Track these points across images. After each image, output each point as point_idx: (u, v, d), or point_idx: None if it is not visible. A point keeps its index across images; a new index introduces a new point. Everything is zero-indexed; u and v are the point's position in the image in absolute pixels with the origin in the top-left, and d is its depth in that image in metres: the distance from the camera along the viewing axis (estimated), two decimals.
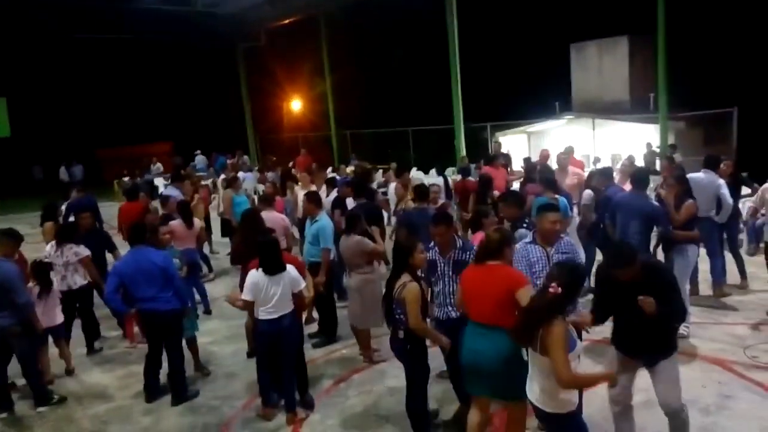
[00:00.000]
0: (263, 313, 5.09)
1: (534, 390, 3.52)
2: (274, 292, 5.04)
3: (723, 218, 7.41)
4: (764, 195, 7.51)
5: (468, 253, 4.72)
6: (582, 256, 5.97)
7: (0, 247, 5.79)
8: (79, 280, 7.04)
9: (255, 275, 5.07)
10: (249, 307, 5.16)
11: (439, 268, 4.77)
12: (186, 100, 32.91)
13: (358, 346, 6.56)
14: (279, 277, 5.06)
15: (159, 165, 22.78)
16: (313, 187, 10.24)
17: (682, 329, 6.17)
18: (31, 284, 6.20)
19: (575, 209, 7.96)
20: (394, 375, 5.69)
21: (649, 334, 3.85)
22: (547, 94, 21.09)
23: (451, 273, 4.75)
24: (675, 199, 6.46)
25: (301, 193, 9.93)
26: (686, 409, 4.01)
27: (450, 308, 4.68)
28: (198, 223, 8.75)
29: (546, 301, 3.36)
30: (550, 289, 3.36)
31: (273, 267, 5.06)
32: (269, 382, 5.35)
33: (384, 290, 4.59)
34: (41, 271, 6.34)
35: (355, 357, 6.56)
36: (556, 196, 7.04)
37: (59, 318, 6.48)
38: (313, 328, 7.26)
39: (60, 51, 26.58)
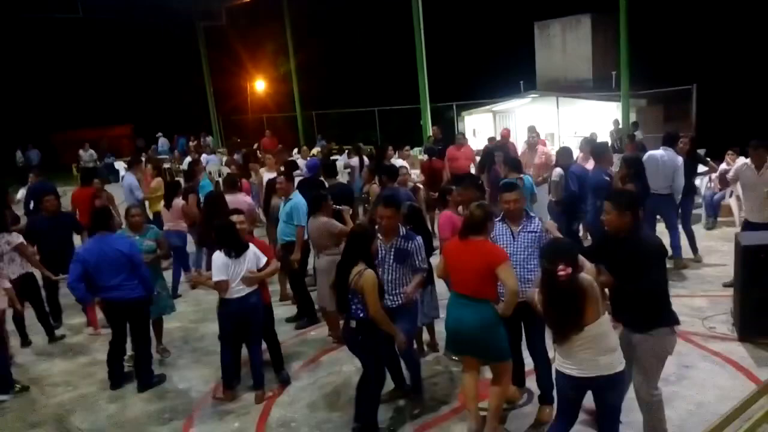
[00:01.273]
0: (230, 292, 5.12)
1: (597, 363, 3.46)
2: (239, 271, 5.10)
3: (676, 194, 7.65)
4: (740, 171, 7.28)
5: (410, 242, 4.75)
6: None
7: None
8: (17, 269, 6.68)
9: (220, 256, 5.10)
10: (225, 286, 5.12)
11: (380, 255, 4.70)
12: (146, 81, 32.08)
13: (327, 328, 6.56)
14: (242, 257, 5.13)
15: (92, 152, 22.35)
16: (280, 169, 10.13)
17: None
18: None
19: (546, 187, 8.05)
20: None
21: (623, 297, 3.89)
22: (512, 72, 21.15)
23: (391, 261, 4.73)
24: (621, 180, 6.77)
25: (266, 175, 9.82)
26: (657, 398, 3.94)
27: (386, 297, 4.57)
28: (178, 202, 8.51)
29: (571, 287, 3.36)
30: (561, 273, 3.34)
31: (234, 247, 5.12)
32: (232, 363, 5.38)
33: (334, 277, 4.44)
34: None
35: (323, 338, 6.56)
36: (521, 175, 7.11)
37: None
38: (290, 309, 7.27)
39: (11, 31, 25.59)
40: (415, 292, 4.83)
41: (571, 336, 3.43)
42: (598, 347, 3.46)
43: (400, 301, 4.71)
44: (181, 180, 11.31)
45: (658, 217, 7.90)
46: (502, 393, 4.36)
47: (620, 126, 15.03)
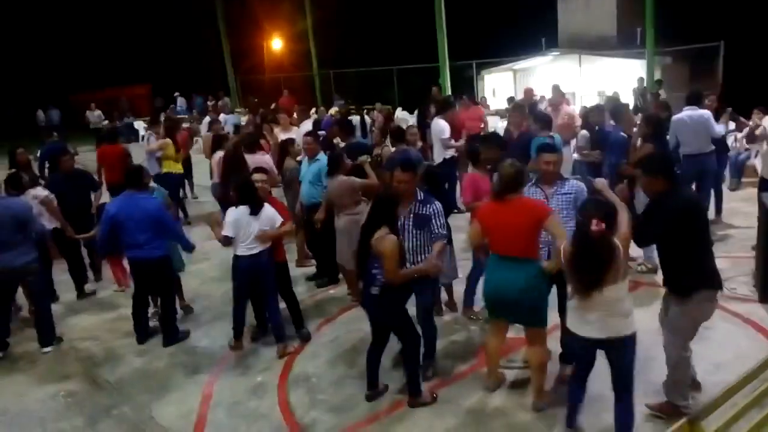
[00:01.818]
0: (243, 249, 5.25)
1: (614, 325, 3.49)
2: (253, 229, 5.19)
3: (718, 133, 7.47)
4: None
5: (429, 206, 4.62)
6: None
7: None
8: (45, 224, 6.74)
9: (235, 212, 5.22)
10: (226, 243, 5.28)
11: (399, 222, 4.49)
12: (163, 40, 31.84)
13: (346, 286, 6.63)
14: (257, 216, 5.21)
15: (98, 112, 22.17)
16: (294, 129, 10.09)
17: (645, 262, 6.50)
18: None
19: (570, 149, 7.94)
20: None
21: (666, 261, 3.90)
22: (533, 29, 20.66)
23: (411, 227, 4.62)
24: (643, 138, 6.66)
25: (281, 135, 9.77)
26: (684, 359, 3.93)
27: (408, 265, 4.44)
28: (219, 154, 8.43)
29: (601, 242, 3.36)
30: (594, 228, 3.33)
31: (251, 205, 5.20)
32: (241, 316, 5.51)
33: (358, 242, 4.30)
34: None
35: (343, 297, 6.64)
36: (551, 134, 7.00)
37: None
38: (310, 268, 7.37)
39: None
40: (439, 261, 4.67)
41: (592, 293, 3.42)
42: (612, 310, 3.48)
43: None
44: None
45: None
46: (543, 352, 4.27)
47: (644, 84, 14.69)
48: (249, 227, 5.20)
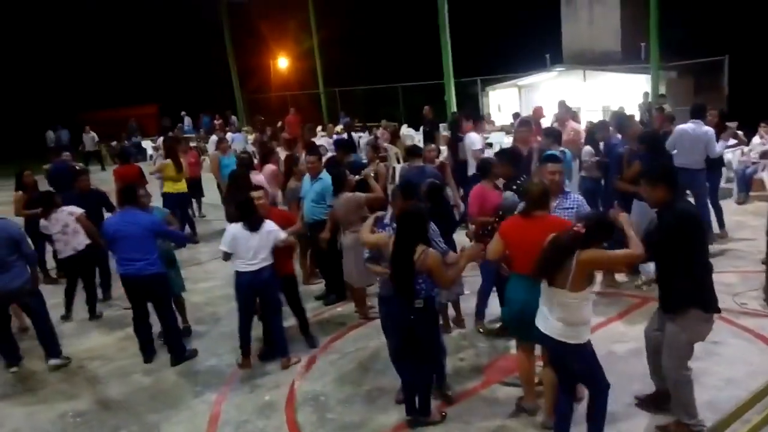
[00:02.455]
0: (243, 265, 5.35)
1: (554, 326, 3.64)
2: (252, 245, 5.29)
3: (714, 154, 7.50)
4: None
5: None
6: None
7: None
8: (83, 240, 6.92)
9: (233, 229, 5.36)
10: (228, 258, 5.43)
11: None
12: (170, 60, 32.22)
13: (354, 304, 6.63)
14: (258, 232, 5.30)
15: (93, 134, 21.80)
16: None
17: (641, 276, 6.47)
18: None
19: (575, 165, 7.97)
20: None
21: (662, 277, 3.91)
22: (537, 45, 20.77)
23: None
24: (630, 153, 6.60)
25: (283, 154, 9.79)
26: (683, 377, 3.88)
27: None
28: (269, 167, 8.90)
29: (569, 237, 3.55)
30: (575, 228, 3.57)
31: (250, 222, 5.31)
32: (246, 332, 5.57)
33: (392, 262, 4.20)
34: None
35: (350, 314, 6.63)
36: (562, 149, 7.01)
37: None
38: (319, 287, 7.39)
39: (39, 12, 25.82)
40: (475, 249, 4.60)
41: (537, 276, 3.66)
42: (566, 314, 3.59)
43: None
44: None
45: (688, 192, 7.74)
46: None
47: (649, 99, 14.72)
48: (248, 243, 5.28)
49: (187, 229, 10.08)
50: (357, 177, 6.76)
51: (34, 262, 6.08)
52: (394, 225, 4.43)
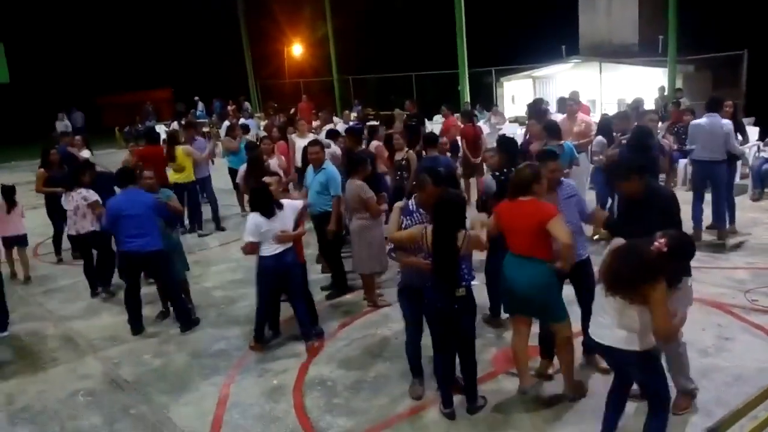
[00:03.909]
0: (267, 250, 5.38)
1: (616, 335, 3.41)
2: (272, 230, 5.34)
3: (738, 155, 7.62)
4: None
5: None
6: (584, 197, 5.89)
7: None
8: (87, 225, 7.18)
9: (254, 217, 5.37)
10: (250, 248, 5.44)
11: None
12: (185, 45, 32.30)
13: (363, 291, 6.64)
14: (276, 217, 5.36)
15: (67, 122, 21.10)
16: (311, 136, 10.03)
17: None
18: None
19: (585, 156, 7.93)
20: (397, 319, 5.76)
21: None
22: (553, 36, 20.56)
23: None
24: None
25: (298, 141, 9.76)
26: (681, 345, 4.03)
27: None
28: None
29: (654, 258, 3.22)
30: (656, 243, 3.24)
31: (267, 209, 5.35)
32: (264, 318, 5.67)
33: (435, 251, 4.13)
34: (7, 191, 7.74)
35: (358, 302, 6.65)
36: (561, 142, 6.96)
37: (23, 230, 7.88)
38: (326, 276, 7.34)
39: None
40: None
41: (611, 292, 3.34)
42: (621, 318, 3.36)
43: None
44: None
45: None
46: (568, 351, 4.37)
47: (666, 93, 14.55)
48: (269, 229, 5.35)
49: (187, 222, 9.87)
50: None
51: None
52: (421, 211, 4.49)
